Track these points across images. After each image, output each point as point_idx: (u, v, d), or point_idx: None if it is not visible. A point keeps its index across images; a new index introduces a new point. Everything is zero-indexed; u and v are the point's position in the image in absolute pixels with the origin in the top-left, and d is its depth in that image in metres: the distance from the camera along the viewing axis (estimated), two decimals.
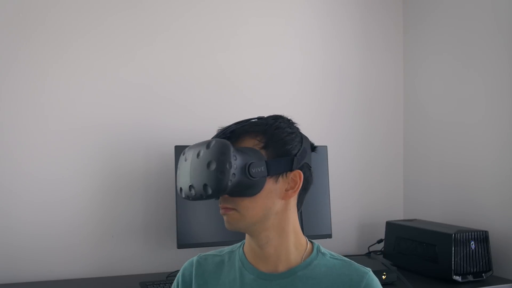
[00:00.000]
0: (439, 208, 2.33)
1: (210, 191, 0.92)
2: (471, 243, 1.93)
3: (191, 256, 1.13)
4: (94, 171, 2.02)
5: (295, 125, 1.05)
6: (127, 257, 2.04)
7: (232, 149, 0.93)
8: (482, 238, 1.96)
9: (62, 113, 1.99)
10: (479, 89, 2.15)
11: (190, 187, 0.96)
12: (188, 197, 0.97)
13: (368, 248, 2.33)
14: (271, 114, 1.06)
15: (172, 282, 1.13)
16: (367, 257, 2.22)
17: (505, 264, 2.00)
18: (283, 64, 2.34)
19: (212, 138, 1.00)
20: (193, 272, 1.05)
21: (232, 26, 2.25)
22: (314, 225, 2.11)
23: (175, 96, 2.15)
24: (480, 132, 2.14)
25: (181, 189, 0.99)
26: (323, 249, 1.04)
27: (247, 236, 1.03)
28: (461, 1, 2.24)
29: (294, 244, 1.01)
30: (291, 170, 0.98)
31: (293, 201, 1.01)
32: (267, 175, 0.95)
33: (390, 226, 2.24)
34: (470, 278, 1.92)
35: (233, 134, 1.00)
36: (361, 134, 2.48)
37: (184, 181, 0.98)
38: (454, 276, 1.89)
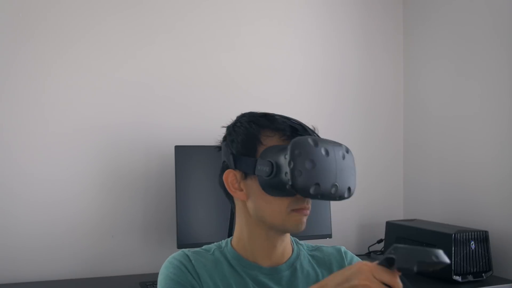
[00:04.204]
0: (439, 208, 2.33)
1: (349, 195, 0.98)
2: (471, 243, 1.93)
3: None
4: (94, 171, 2.02)
5: None
6: (127, 257, 2.04)
7: None
8: (482, 238, 1.96)
9: (62, 113, 1.99)
10: (478, 89, 2.15)
11: (334, 185, 0.94)
12: (321, 195, 0.93)
13: (368, 248, 2.33)
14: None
15: None
16: (367, 257, 2.22)
17: (505, 264, 2.00)
18: (284, 64, 2.34)
19: (312, 134, 1.03)
20: (194, 266, 0.98)
21: (233, 27, 2.25)
22: (314, 225, 2.11)
23: (175, 95, 2.15)
24: (480, 133, 2.14)
25: (318, 184, 0.92)
26: (297, 241, 1.11)
27: (259, 234, 1.01)
28: (461, 1, 2.25)
29: (290, 241, 1.08)
30: None
31: None
32: None
33: (390, 226, 2.24)
34: (470, 278, 1.92)
35: None
36: (361, 135, 2.48)
37: (327, 178, 0.94)
38: (454, 276, 1.89)
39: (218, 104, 2.20)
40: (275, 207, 0.96)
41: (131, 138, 2.07)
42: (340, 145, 1.00)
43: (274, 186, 0.94)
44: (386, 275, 0.74)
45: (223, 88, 2.22)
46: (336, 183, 0.94)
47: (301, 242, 1.12)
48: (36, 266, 1.92)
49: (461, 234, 1.92)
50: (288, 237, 1.05)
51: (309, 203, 0.98)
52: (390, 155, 2.55)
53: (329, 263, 1.06)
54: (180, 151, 1.95)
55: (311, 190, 0.91)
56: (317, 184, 0.91)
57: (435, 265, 0.72)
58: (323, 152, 0.94)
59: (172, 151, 1.98)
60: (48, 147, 1.96)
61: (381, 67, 2.54)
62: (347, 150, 1.00)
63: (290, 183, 0.90)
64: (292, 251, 1.06)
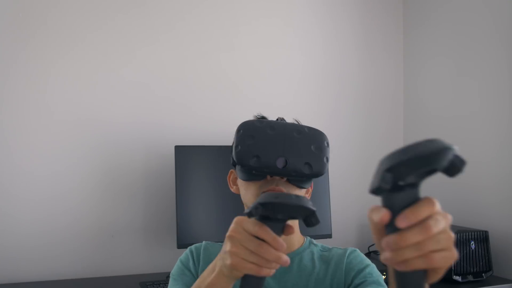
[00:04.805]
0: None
1: (312, 171, 0.95)
2: (471, 243, 1.93)
3: None
4: (95, 171, 2.02)
5: None
6: (127, 257, 2.04)
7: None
8: (482, 238, 1.96)
9: (63, 113, 1.99)
10: (478, 89, 2.15)
11: (280, 159, 0.94)
12: (266, 168, 0.93)
13: (368, 248, 2.33)
14: (276, 113, 1.16)
15: None
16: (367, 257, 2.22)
17: (505, 264, 2.00)
18: (284, 64, 2.34)
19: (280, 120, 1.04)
20: (201, 254, 1.08)
21: (233, 27, 2.25)
22: None
23: (175, 96, 2.15)
24: (480, 133, 2.14)
25: (258, 156, 0.93)
26: (314, 242, 1.12)
27: None
28: (460, 1, 2.25)
29: (297, 238, 1.09)
30: None
31: None
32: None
33: None
34: (470, 278, 1.92)
35: None
36: (361, 134, 2.48)
37: (270, 150, 0.94)
38: (454, 276, 1.89)
39: (218, 104, 2.20)
40: (250, 192, 1.00)
41: (131, 137, 2.07)
42: (299, 125, 0.99)
43: (241, 171, 1.00)
44: (251, 226, 0.70)
45: (223, 88, 2.22)
46: (284, 157, 0.93)
47: (318, 243, 1.12)
48: (36, 266, 1.92)
49: (461, 234, 1.92)
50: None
51: (280, 185, 0.98)
52: None
53: (330, 259, 1.07)
54: (180, 151, 1.95)
55: (251, 162, 0.93)
56: (257, 156, 0.93)
57: (286, 209, 0.67)
58: (267, 129, 0.96)
59: (172, 151, 1.98)
60: (48, 147, 1.96)
61: (381, 67, 2.54)
62: (309, 128, 0.98)
63: (234, 158, 0.95)
64: (300, 247, 1.08)
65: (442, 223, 0.54)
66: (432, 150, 0.52)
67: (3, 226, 1.89)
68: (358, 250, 1.09)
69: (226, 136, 2.11)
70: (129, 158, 2.06)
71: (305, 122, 1.16)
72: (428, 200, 0.55)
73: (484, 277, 1.94)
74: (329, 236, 2.13)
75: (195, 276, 1.04)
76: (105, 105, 2.05)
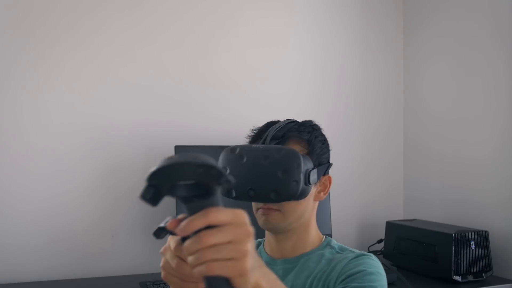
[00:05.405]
0: (439, 208, 2.33)
1: (280, 198, 0.98)
2: (471, 243, 1.93)
3: None
4: (95, 171, 2.02)
5: (322, 130, 1.15)
6: (127, 257, 2.04)
7: (301, 158, 0.98)
8: (482, 238, 1.96)
9: (63, 114, 1.99)
10: (479, 89, 2.15)
11: (250, 190, 0.99)
12: (241, 197, 1.00)
13: (368, 248, 2.33)
14: (276, 113, 1.14)
15: None
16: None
17: (505, 264, 2.00)
18: (284, 64, 2.34)
19: (262, 141, 1.05)
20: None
21: (233, 27, 2.25)
22: None
23: (175, 95, 2.15)
24: (480, 133, 2.14)
25: (231, 188, 1.00)
26: (334, 243, 1.12)
27: (266, 231, 1.10)
28: (461, 1, 2.25)
29: (311, 240, 1.10)
30: (324, 175, 1.08)
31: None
32: (316, 182, 1.04)
33: (390, 226, 2.24)
34: (470, 278, 1.92)
35: (283, 139, 1.05)
36: (361, 134, 2.48)
37: (240, 181, 0.99)
38: (454, 276, 1.89)
39: (219, 104, 2.20)
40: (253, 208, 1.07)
41: (131, 137, 2.07)
42: (269, 149, 1.00)
43: None
44: (172, 243, 0.70)
45: (223, 88, 2.22)
46: (252, 187, 0.98)
47: (337, 244, 1.12)
48: (36, 266, 1.92)
49: (461, 234, 1.92)
50: (298, 235, 1.08)
51: (267, 203, 1.02)
52: (390, 155, 2.55)
53: (335, 261, 1.04)
54: (180, 151, 1.95)
55: (228, 194, 1.00)
56: (231, 188, 1.00)
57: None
58: (239, 159, 1.01)
59: (172, 151, 1.98)
60: (47, 147, 1.96)
61: (381, 67, 2.54)
62: (279, 152, 0.99)
63: None
64: (314, 248, 1.09)
65: (223, 235, 0.57)
66: (168, 164, 0.55)
67: (4, 226, 1.89)
68: (371, 257, 1.03)
69: (226, 136, 2.11)
70: (129, 158, 2.06)
71: None
72: (203, 212, 0.58)
73: (484, 277, 1.94)
74: (329, 236, 2.13)
75: None
76: (105, 105, 2.04)
